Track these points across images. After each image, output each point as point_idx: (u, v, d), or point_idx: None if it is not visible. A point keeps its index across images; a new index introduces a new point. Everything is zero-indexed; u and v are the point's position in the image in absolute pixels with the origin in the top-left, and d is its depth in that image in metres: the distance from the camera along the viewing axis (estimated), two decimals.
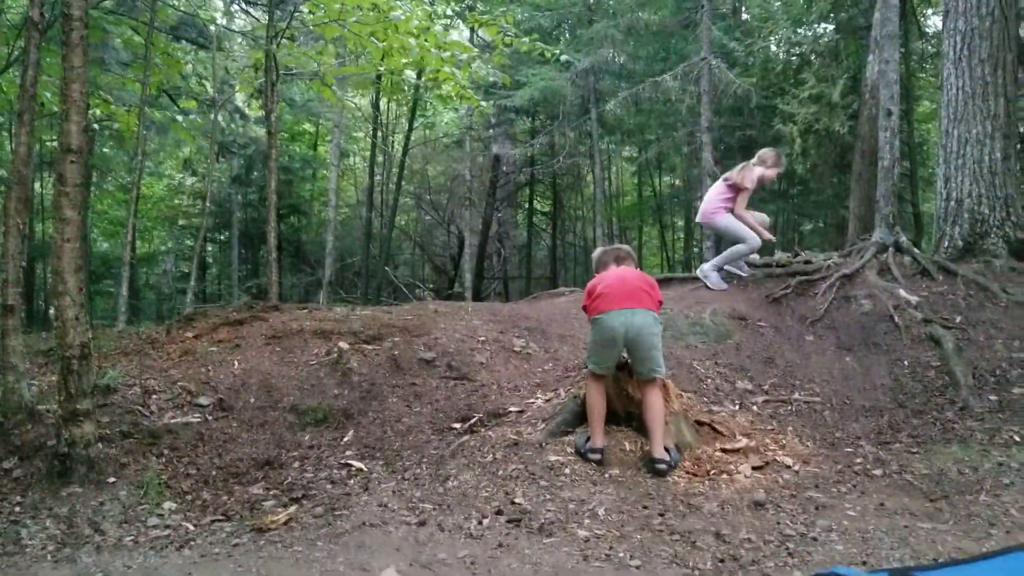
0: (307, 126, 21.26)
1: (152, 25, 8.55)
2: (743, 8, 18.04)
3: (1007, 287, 6.66)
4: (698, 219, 7.44)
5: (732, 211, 6.97)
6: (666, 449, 4.25)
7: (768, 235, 7.16)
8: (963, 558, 1.47)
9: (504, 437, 4.56)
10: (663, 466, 4.16)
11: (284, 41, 8.83)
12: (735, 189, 6.97)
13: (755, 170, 7.04)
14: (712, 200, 7.13)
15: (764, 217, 7.46)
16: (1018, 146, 9.30)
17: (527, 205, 21.95)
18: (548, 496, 3.89)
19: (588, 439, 4.32)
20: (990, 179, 8.18)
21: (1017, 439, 4.68)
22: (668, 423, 4.45)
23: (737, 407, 5.10)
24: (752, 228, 6.99)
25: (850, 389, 5.39)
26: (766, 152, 7.33)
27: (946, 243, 8.24)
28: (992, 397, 5.26)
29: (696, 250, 18.79)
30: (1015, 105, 9.82)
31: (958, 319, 6.13)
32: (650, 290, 4.45)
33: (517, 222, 22.52)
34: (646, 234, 24.40)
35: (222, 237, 20.66)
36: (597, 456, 4.23)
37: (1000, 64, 8.33)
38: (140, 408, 4.83)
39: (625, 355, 4.46)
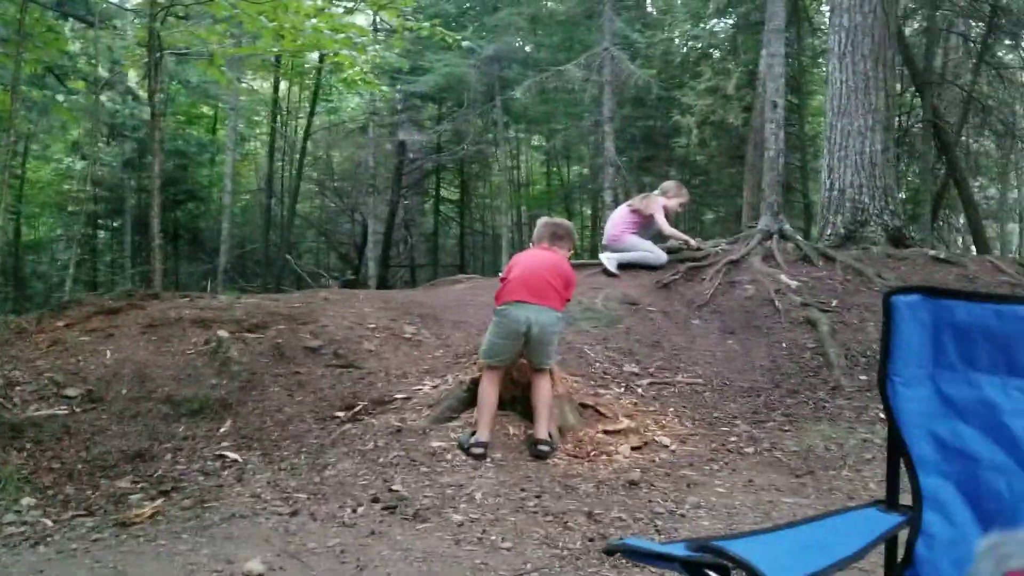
0: (205, 109, 20.57)
1: None
2: (647, 0, 18.32)
3: (882, 272, 6.97)
4: (604, 242, 7.76)
5: (637, 234, 7.35)
6: (549, 434, 4.27)
7: (693, 242, 7.73)
8: (780, 525, 1.51)
9: (387, 424, 4.52)
10: (545, 447, 4.19)
11: (171, 19, 8.49)
12: (639, 215, 7.36)
13: (658, 200, 7.43)
14: (617, 225, 7.51)
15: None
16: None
17: (434, 192, 21.81)
18: (427, 482, 3.87)
19: (473, 434, 4.23)
20: (871, 170, 8.53)
21: (882, 416, 4.88)
22: (551, 406, 4.48)
23: (622, 390, 5.18)
24: (676, 237, 7.61)
25: (731, 371, 5.55)
26: (667, 184, 7.86)
27: (829, 231, 8.57)
28: (862, 377, 5.50)
29: (601, 238, 19.08)
30: (894, 99, 10.28)
31: (834, 303, 6.38)
32: (560, 287, 4.40)
33: (424, 210, 22.35)
34: None
35: (115, 224, 19.84)
36: (480, 450, 4.13)
37: (881, 60, 8.66)
38: (2, 400, 4.58)
39: None
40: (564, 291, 4.45)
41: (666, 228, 7.39)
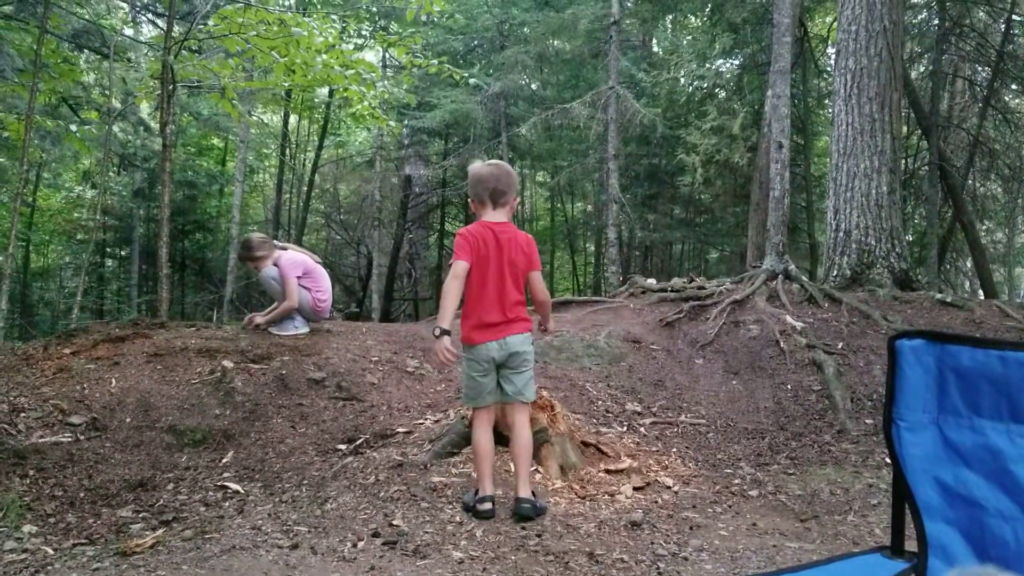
0: (215, 141, 20.79)
1: (44, 29, 8.22)
2: (653, 40, 18.55)
3: (888, 315, 6.97)
4: None
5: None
6: (533, 493, 3.85)
7: None
8: (784, 569, 1.50)
9: (389, 458, 4.50)
10: (527, 506, 3.71)
11: (184, 53, 8.62)
12: None
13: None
14: None
15: None
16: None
17: (439, 226, 21.92)
18: (427, 518, 3.84)
19: (476, 491, 3.84)
20: (877, 212, 8.57)
21: (888, 461, 4.86)
22: (554, 444, 4.46)
23: (625, 428, 5.16)
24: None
25: (735, 412, 5.53)
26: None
27: (835, 272, 8.59)
28: (868, 421, 5.47)
29: (605, 275, 19.12)
30: (900, 142, 10.37)
31: (840, 345, 6.37)
32: (520, 297, 3.74)
33: (429, 243, 22.45)
34: (558, 258, 24.70)
35: (123, 253, 19.96)
36: (488, 506, 3.71)
37: (887, 102, 8.74)
38: (6, 427, 4.58)
39: None
40: (523, 299, 3.79)
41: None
